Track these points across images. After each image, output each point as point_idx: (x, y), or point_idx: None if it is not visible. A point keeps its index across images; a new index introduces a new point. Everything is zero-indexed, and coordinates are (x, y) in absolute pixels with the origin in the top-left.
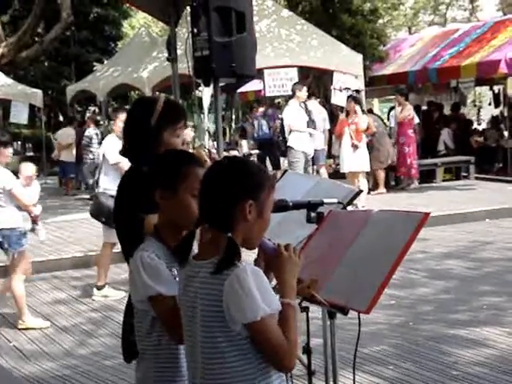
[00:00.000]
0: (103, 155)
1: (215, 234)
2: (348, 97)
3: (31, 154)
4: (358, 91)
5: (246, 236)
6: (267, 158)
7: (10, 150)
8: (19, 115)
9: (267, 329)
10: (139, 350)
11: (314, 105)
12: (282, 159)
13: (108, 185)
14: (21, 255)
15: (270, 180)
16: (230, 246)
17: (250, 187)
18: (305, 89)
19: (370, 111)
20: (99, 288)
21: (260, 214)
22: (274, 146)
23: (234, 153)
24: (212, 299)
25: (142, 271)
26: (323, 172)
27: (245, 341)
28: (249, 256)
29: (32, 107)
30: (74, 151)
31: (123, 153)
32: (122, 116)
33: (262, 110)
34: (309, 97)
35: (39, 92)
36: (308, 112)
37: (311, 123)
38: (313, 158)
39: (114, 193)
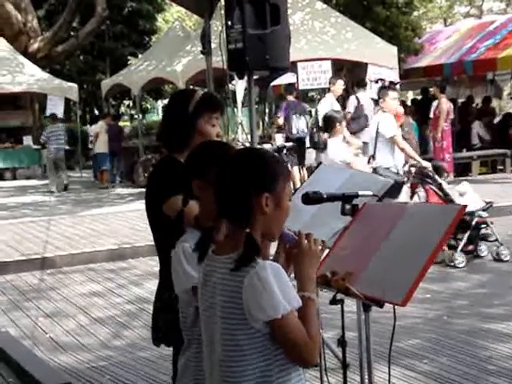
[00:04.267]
0: (377, 131)
1: (233, 229)
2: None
3: (67, 147)
4: (393, 83)
5: (265, 229)
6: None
7: None
8: (55, 109)
9: (288, 325)
10: (186, 339)
11: (365, 97)
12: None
13: (383, 159)
14: None
15: (285, 168)
16: (249, 242)
17: (264, 180)
18: (340, 82)
19: (403, 104)
20: None
21: (278, 206)
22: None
23: (267, 146)
24: (231, 296)
25: (184, 262)
26: None
27: (263, 338)
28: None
29: (68, 101)
30: (107, 142)
31: (159, 138)
32: (392, 94)
33: (291, 98)
34: (357, 87)
35: (75, 86)
36: (360, 106)
37: (363, 118)
38: None
39: (388, 166)
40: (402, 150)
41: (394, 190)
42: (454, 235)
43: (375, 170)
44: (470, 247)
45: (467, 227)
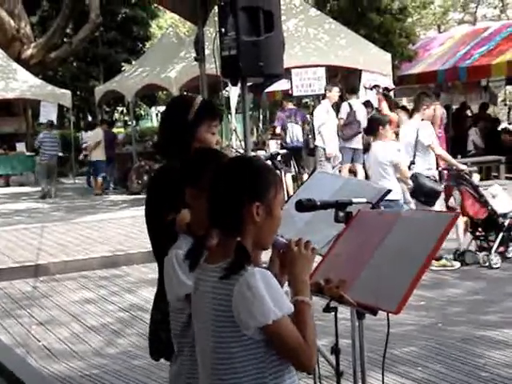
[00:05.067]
0: (416, 139)
1: (224, 238)
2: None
3: (60, 154)
4: (387, 89)
5: (256, 237)
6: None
7: None
8: (48, 115)
9: (281, 331)
10: (176, 346)
11: (358, 103)
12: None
13: (422, 166)
14: None
15: (276, 177)
16: (239, 250)
17: (254, 189)
18: (335, 89)
19: (404, 108)
20: (437, 259)
21: (269, 214)
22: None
23: (261, 153)
24: (222, 304)
25: (177, 269)
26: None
27: (256, 344)
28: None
29: (61, 108)
30: (104, 150)
31: (156, 147)
32: (436, 103)
33: (290, 106)
34: (349, 94)
35: (68, 92)
36: (353, 113)
37: (356, 124)
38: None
39: (427, 173)
40: (440, 156)
41: (433, 197)
42: (484, 237)
43: (415, 177)
44: (501, 248)
45: (500, 229)
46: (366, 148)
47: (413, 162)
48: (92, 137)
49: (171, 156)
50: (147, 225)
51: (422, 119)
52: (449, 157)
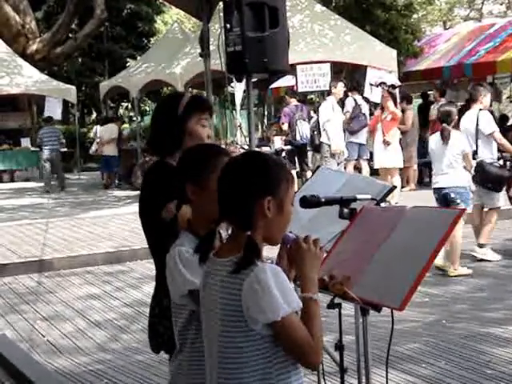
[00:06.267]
0: (476, 128)
1: (235, 232)
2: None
3: (65, 149)
4: (393, 86)
5: (266, 232)
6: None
7: None
8: (53, 111)
9: (290, 327)
10: (178, 343)
11: (360, 98)
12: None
13: (485, 154)
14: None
15: (288, 173)
16: (249, 244)
17: (267, 183)
18: (340, 84)
19: (409, 100)
20: (481, 246)
21: (280, 210)
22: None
23: (265, 149)
24: (231, 298)
25: (180, 266)
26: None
27: (263, 340)
28: (270, 250)
29: (66, 103)
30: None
31: (150, 144)
32: (489, 92)
33: (294, 102)
34: (351, 91)
35: (73, 88)
36: (358, 107)
37: (363, 117)
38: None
39: (490, 160)
40: (502, 145)
41: (500, 184)
42: None
43: (481, 164)
44: None
45: None
46: (446, 137)
47: (476, 152)
48: (107, 132)
49: (163, 151)
50: (142, 221)
51: (481, 109)
52: (509, 145)
